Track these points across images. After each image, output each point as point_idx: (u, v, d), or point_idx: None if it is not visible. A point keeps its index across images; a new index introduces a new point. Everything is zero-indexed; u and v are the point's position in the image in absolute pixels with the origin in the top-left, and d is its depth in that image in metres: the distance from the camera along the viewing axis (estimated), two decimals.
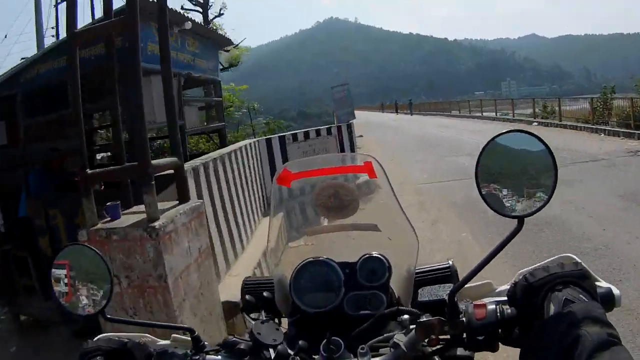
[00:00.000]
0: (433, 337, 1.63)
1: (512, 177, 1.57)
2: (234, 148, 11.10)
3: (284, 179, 2.39)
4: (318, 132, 16.28)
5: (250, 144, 12.86)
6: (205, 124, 16.44)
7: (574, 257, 1.62)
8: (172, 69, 11.31)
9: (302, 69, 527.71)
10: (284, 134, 16.03)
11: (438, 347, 1.68)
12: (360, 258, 2.15)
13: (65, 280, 1.84)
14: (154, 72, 9.39)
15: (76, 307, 1.84)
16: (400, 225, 2.27)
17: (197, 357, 1.77)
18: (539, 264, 1.62)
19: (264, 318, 1.90)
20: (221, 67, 31.51)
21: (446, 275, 2.31)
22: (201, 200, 6.31)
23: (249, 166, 11.85)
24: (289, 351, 1.75)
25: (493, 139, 1.57)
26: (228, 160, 9.80)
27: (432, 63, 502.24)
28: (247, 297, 2.23)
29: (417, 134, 36.67)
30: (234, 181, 9.94)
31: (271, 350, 1.72)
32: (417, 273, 2.20)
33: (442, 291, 2.00)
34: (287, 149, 14.82)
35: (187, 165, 7.37)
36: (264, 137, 15.40)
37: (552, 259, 1.65)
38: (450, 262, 2.37)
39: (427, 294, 2.03)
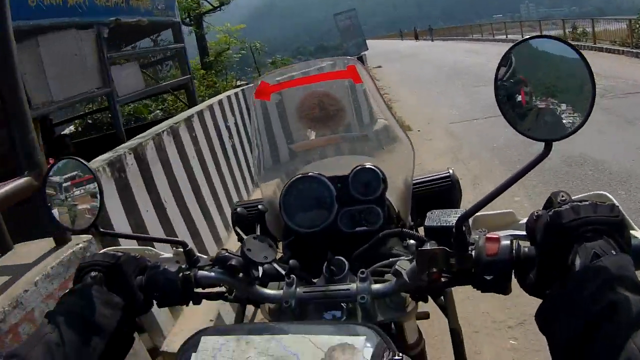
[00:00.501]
0: (435, 269, 1.41)
1: (539, 91, 1.26)
2: (200, 108, 8.24)
3: (263, 93, 2.29)
4: (320, 70, 12.70)
5: (230, 96, 9.89)
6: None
7: (610, 196, 1.38)
8: (82, 18, 8.63)
9: (316, 4, 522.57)
10: None
11: (442, 281, 1.49)
12: (352, 170, 2.03)
13: (59, 195, 1.78)
14: (48, 30, 7.37)
15: (69, 221, 1.78)
16: (392, 133, 2.23)
17: (189, 272, 1.66)
18: (569, 197, 1.34)
19: (257, 234, 1.75)
20: (211, 7, 28.96)
21: (446, 184, 2.33)
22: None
23: (227, 129, 9.01)
24: (279, 270, 1.63)
25: (515, 45, 1.28)
26: (187, 129, 7.05)
27: None
28: (238, 209, 2.00)
29: (441, 62, 32.95)
30: (199, 158, 7.26)
31: (260, 269, 1.61)
32: (415, 184, 2.22)
33: (453, 216, 1.61)
34: None
35: (101, 162, 5.07)
36: (251, 85, 12.02)
37: (583, 195, 1.40)
38: (451, 171, 2.36)
39: (436, 218, 1.65)
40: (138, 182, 5.56)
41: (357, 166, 2.02)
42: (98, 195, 1.74)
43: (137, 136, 6.23)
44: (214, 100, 9.12)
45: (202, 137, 7.57)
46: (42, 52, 7.63)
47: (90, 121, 20.36)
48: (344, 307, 1.52)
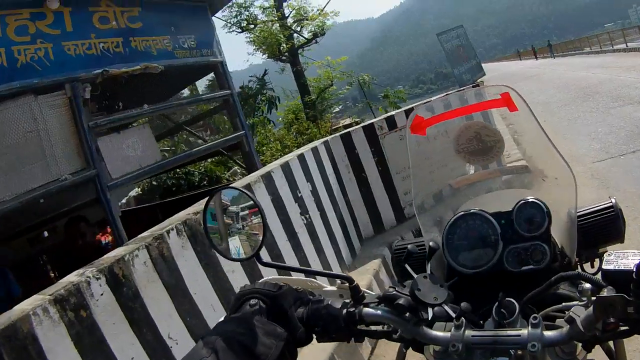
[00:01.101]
0: (612, 320, 1.29)
1: None
2: (249, 179, 5.72)
3: (418, 127, 2.23)
4: (477, 98, 9.28)
5: (303, 154, 7.02)
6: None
7: None
8: (43, 78, 6.47)
9: (429, 30, 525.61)
10: (373, 120, 9.41)
11: (618, 330, 1.36)
12: (515, 205, 1.91)
13: (220, 225, 1.77)
14: None
15: (231, 251, 1.77)
16: (552, 163, 2.07)
17: (354, 310, 1.57)
18: None
19: (428, 273, 1.66)
20: (305, 39, 26.60)
21: (610, 215, 2.07)
22: None
23: (299, 200, 6.37)
24: (450, 312, 1.50)
25: None
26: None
27: (552, 2, 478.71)
28: (409, 246, 1.82)
29: (567, 81, 29.19)
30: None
31: (430, 310, 1.51)
32: (578, 217, 1.98)
33: (632, 259, 1.41)
34: (384, 146, 8.41)
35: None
36: (338, 134, 8.90)
37: None
38: (613, 201, 2.11)
39: (614, 260, 1.45)
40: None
41: (520, 201, 1.90)
42: (263, 227, 1.68)
43: (127, 244, 4.36)
44: (275, 164, 6.47)
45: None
46: None
47: (155, 182, 17.96)
48: (512, 353, 1.40)
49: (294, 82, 26.48)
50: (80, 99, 6.54)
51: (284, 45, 25.27)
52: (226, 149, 10.33)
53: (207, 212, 1.71)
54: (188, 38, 8.70)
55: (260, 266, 4.65)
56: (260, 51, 26.34)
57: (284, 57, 25.95)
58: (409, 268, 1.71)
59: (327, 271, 1.76)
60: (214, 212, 1.73)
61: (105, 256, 4.13)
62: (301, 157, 6.87)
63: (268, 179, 5.80)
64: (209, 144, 9.04)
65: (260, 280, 1.63)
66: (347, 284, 1.62)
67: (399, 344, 1.74)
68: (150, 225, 4.69)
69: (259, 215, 1.68)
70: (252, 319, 1.42)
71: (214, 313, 4.47)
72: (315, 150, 7.40)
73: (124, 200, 17.32)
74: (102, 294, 3.62)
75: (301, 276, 1.86)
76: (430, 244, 1.83)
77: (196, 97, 9.57)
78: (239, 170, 16.90)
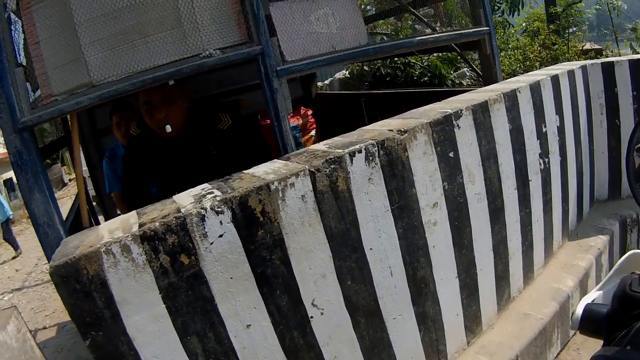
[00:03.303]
0: None
1: None
2: (486, 96, 3.88)
3: None
4: None
5: (558, 75, 4.96)
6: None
7: None
8: None
9: None
10: None
11: None
12: None
13: None
14: None
15: None
16: None
17: None
18: None
19: None
20: None
21: None
22: None
23: (541, 136, 4.51)
24: None
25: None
26: (433, 147, 3.28)
27: None
28: None
29: None
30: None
31: None
32: None
33: None
34: None
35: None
36: (599, 61, 6.30)
37: None
38: None
39: None
40: None
41: None
42: None
43: (276, 164, 3.00)
44: (522, 81, 4.50)
45: (473, 159, 3.60)
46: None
47: (366, 67, 14.94)
48: None
49: None
50: None
51: None
52: (460, 47, 7.60)
53: (633, 150, 1.13)
54: None
55: None
56: None
57: None
58: None
59: None
60: None
61: (236, 175, 2.81)
62: (555, 80, 4.90)
63: (511, 100, 4.02)
64: (440, 34, 6.06)
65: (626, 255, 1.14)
66: None
67: None
68: (351, 119, 3.72)
69: None
70: None
71: (389, 279, 3.00)
72: (571, 75, 5.37)
73: (327, 82, 15.63)
74: (221, 236, 2.38)
75: None
76: None
77: None
78: (467, 73, 14.08)
